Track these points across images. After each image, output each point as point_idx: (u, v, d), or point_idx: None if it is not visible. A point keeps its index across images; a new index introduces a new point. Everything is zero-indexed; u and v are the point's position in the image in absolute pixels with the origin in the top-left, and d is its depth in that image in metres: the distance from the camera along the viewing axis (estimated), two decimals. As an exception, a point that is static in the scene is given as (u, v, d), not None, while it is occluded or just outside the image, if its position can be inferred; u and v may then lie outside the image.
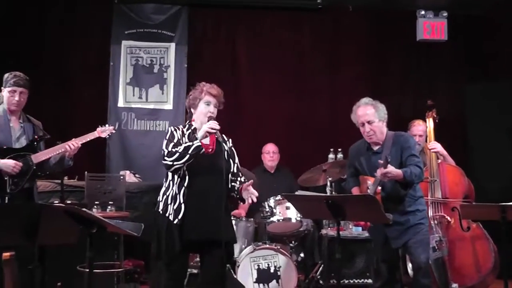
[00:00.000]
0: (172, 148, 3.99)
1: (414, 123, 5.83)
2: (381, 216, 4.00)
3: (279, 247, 5.70)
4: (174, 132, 4.11)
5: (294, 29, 8.09)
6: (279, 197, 5.97)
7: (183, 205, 3.98)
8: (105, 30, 7.77)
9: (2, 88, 4.63)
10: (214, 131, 4.00)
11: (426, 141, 5.63)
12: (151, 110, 7.76)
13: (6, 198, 4.41)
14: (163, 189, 4.13)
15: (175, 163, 3.94)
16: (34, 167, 4.56)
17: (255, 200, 4.03)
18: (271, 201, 6.00)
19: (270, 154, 6.87)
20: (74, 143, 4.66)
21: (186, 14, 7.86)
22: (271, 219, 5.93)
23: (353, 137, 4.81)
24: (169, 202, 4.04)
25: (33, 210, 3.11)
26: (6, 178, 4.43)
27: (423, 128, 5.72)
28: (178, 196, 4.01)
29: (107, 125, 5.06)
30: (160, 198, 4.12)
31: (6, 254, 4.66)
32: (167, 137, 4.08)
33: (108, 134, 5.04)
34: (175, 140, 4.05)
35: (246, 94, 7.99)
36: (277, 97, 7.93)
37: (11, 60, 6.91)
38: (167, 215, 4.01)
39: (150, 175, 7.04)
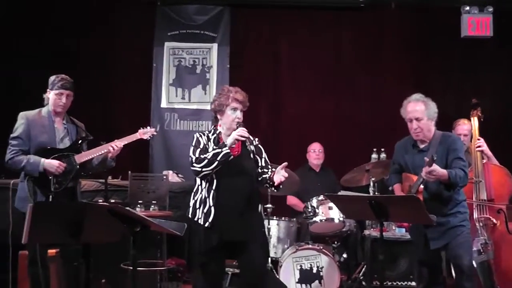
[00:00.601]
0: (199, 154, 4.04)
1: (458, 122, 5.72)
2: (424, 217, 3.93)
3: (321, 247, 5.68)
4: (200, 138, 4.16)
5: (336, 28, 8.04)
6: (321, 197, 5.96)
7: (212, 208, 4.02)
8: (148, 32, 7.87)
9: (48, 90, 4.72)
10: (243, 139, 4.04)
11: (471, 140, 5.51)
12: (193, 111, 7.82)
13: (50, 196, 4.51)
14: (193, 193, 4.19)
15: (203, 169, 4.00)
16: (77, 167, 4.65)
17: (283, 179, 4.03)
18: (314, 201, 5.99)
19: (316, 153, 6.90)
20: (117, 144, 4.75)
21: (228, 14, 7.90)
22: (314, 219, 5.92)
23: (397, 136, 4.75)
24: (197, 206, 4.10)
25: (78, 209, 3.17)
26: (50, 178, 4.53)
27: (468, 127, 5.59)
28: (207, 199, 4.05)
29: (148, 127, 5.13)
30: (190, 203, 4.17)
31: (51, 251, 4.78)
32: (193, 144, 4.14)
33: (150, 136, 5.09)
34: (201, 146, 4.10)
35: (288, 93, 7.98)
36: (319, 97, 7.91)
37: (55, 61, 7.08)
38: (195, 219, 4.06)
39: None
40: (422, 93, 4.58)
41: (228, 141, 4.02)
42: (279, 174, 4.04)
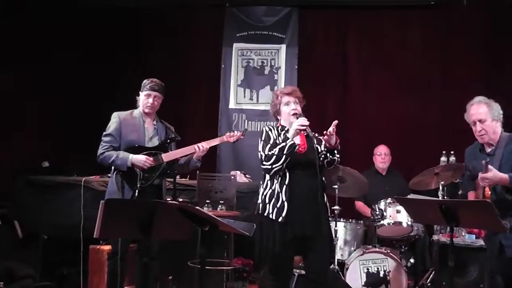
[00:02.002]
0: (268, 151, 4.08)
1: (530, 122, 5.51)
2: (497, 224, 3.80)
3: (388, 251, 5.62)
4: (270, 133, 4.22)
5: (405, 27, 7.89)
6: (389, 199, 5.88)
7: (286, 203, 4.04)
8: (216, 33, 7.98)
9: (139, 92, 4.97)
10: (304, 127, 4.05)
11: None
12: (261, 111, 7.84)
13: (136, 191, 4.70)
14: (261, 190, 4.22)
15: (273, 166, 4.04)
16: (164, 165, 4.83)
17: (331, 129, 4.05)
18: (382, 204, 5.92)
19: (381, 156, 6.81)
20: (203, 145, 4.91)
21: (296, 15, 7.92)
22: (381, 222, 5.86)
23: (467, 138, 4.62)
24: (267, 201, 4.12)
25: (149, 206, 3.25)
26: (138, 173, 4.71)
27: (540, 127, 5.38)
28: (280, 194, 4.07)
29: (235, 131, 5.26)
30: (259, 200, 4.20)
31: (130, 246, 4.95)
32: (262, 138, 4.19)
33: (236, 140, 5.19)
34: (271, 142, 4.15)
35: (356, 94, 7.90)
36: (387, 98, 7.78)
37: (131, 64, 7.28)
38: (265, 214, 4.08)
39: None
40: (494, 92, 4.46)
41: (290, 132, 4.08)
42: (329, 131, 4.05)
